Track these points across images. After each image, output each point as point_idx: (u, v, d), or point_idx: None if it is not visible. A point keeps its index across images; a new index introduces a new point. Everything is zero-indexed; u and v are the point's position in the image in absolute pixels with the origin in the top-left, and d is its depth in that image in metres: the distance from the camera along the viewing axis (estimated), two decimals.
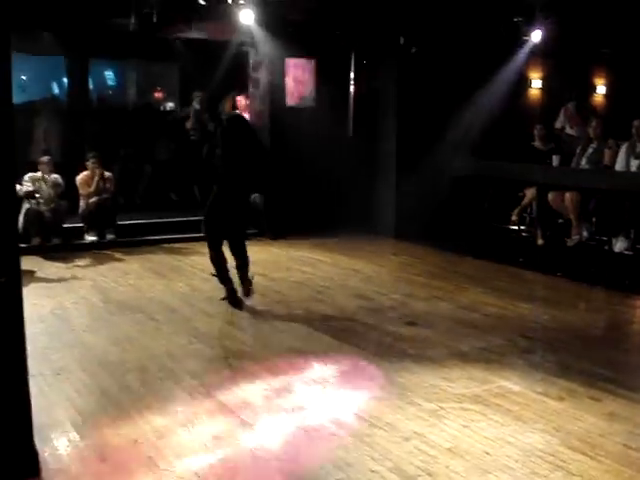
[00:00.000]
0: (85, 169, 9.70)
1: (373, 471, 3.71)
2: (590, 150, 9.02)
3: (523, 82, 12.53)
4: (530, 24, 9.99)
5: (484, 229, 9.85)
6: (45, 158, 9.53)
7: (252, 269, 8.31)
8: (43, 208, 9.18)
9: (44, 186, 9.34)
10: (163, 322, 6.38)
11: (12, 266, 3.44)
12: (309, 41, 10.49)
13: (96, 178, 9.61)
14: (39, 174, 9.33)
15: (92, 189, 9.58)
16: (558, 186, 8.98)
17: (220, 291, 6.95)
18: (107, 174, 9.80)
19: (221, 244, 6.87)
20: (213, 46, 11.26)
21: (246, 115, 11.14)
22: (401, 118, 10.60)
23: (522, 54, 10.74)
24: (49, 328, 6.14)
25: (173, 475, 3.67)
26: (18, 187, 9.05)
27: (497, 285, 7.88)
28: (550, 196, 9.09)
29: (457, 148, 10.17)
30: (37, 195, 9.17)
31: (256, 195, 10.37)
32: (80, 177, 9.67)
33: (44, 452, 3.82)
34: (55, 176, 9.47)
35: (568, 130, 10.81)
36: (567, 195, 8.84)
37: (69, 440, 4.03)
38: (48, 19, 9.57)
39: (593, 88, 13.44)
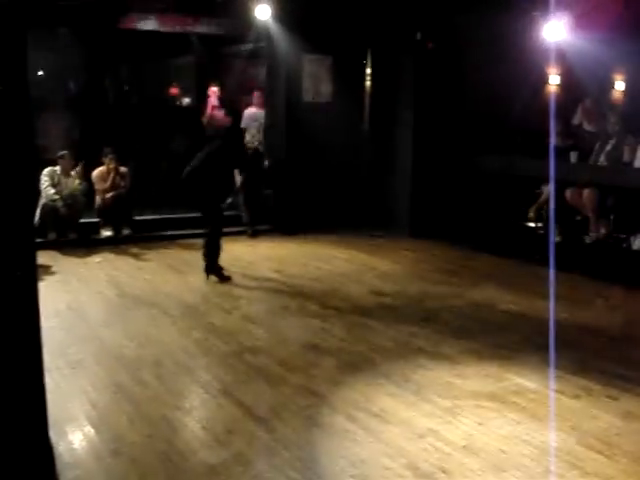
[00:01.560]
0: (101, 164, 9.73)
1: (387, 468, 3.70)
2: (608, 147, 8.94)
3: (541, 78, 12.45)
4: (548, 18, 9.90)
5: (500, 226, 9.78)
6: (64, 153, 9.55)
7: (268, 264, 8.37)
8: (59, 205, 9.20)
9: (63, 181, 9.37)
10: (178, 317, 6.39)
11: (28, 260, 3.45)
12: (326, 37, 10.47)
13: (112, 174, 9.64)
14: (58, 169, 9.35)
15: (108, 184, 9.61)
16: (576, 183, 8.91)
17: (236, 286, 6.97)
18: (123, 169, 9.83)
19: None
20: (230, 42, 11.28)
21: (261, 111, 11.16)
22: (417, 114, 10.54)
23: (540, 49, 10.65)
24: (65, 323, 6.17)
25: (187, 470, 3.68)
26: (49, 190, 9.13)
27: (513, 282, 7.84)
28: (568, 193, 9.02)
29: (474, 144, 10.11)
30: (56, 197, 9.19)
31: (268, 191, 10.40)
32: (96, 172, 9.70)
33: (59, 446, 3.85)
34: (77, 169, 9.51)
35: (586, 126, 10.71)
36: (585, 192, 8.77)
37: (84, 434, 4.05)
38: (65, 16, 9.61)
39: (612, 84, 13.32)
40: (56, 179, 9.31)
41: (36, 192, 8.75)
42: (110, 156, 9.67)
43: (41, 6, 8.58)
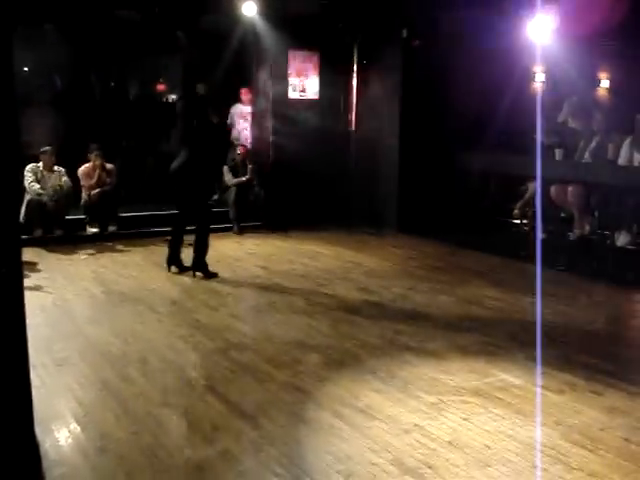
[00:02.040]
0: (87, 161, 9.70)
1: (373, 463, 3.71)
2: (593, 144, 8.99)
3: (526, 75, 12.49)
4: (534, 16, 9.94)
5: (486, 223, 9.83)
6: (47, 149, 9.51)
7: (255, 261, 8.38)
8: (45, 199, 9.17)
9: (46, 176, 9.33)
10: (164, 314, 6.39)
11: (13, 257, 3.44)
12: (312, 34, 10.48)
13: (97, 170, 9.61)
14: (40, 165, 9.32)
15: (94, 181, 9.58)
16: (561, 180, 8.96)
17: (222, 283, 6.96)
18: (109, 166, 9.81)
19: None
20: (216, 38, 11.24)
21: (249, 108, 11.15)
22: (404, 110, 10.57)
23: (526, 46, 10.69)
24: (50, 319, 6.15)
25: (173, 466, 3.68)
26: (33, 185, 9.08)
27: (499, 279, 7.89)
28: (552, 190, 9.08)
29: (460, 142, 10.14)
30: (42, 192, 9.16)
31: (258, 188, 10.42)
32: (82, 169, 9.68)
33: (45, 443, 3.83)
34: (61, 169, 9.47)
35: (571, 124, 10.77)
36: (570, 189, 8.83)
37: (70, 431, 4.04)
38: (51, 11, 9.56)
39: (597, 81, 13.39)
40: (39, 175, 9.28)
41: (20, 188, 8.70)
42: (96, 152, 9.65)
43: (27, 2, 8.53)
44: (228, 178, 10.39)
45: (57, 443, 3.90)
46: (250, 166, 10.51)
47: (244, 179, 10.36)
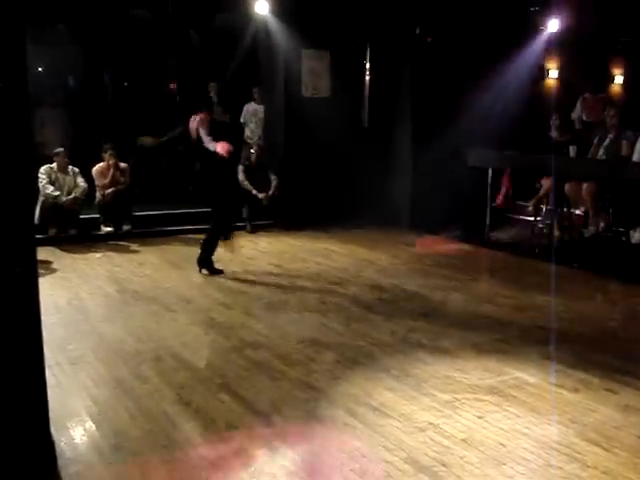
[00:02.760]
0: (101, 160, 9.74)
1: (387, 462, 3.71)
2: (607, 141, 8.94)
3: (540, 72, 12.46)
4: (546, 13, 9.91)
5: (500, 220, 9.80)
6: (60, 150, 9.55)
7: (268, 260, 8.42)
8: (62, 199, 9.21)
9: (61, 177, 9.37)
10: (179, 312, 6.40)
11: (28, 256, 3.46)
12: (324, 32, 10.47)
13: (112, 170, 9.65)
14: (54, 166, 9.36)
15: (108, 180, 9.62)
16: (575, 177, 8.92)
17: (236, 282, 6.97)
18: (123, 165, 9.84)
19: None
20: (228, 37, 11.26)
21: (261, 106, 11.15)
22: (417, 108, 10.56)
23: (539, 44, 10.67)
24: (65, 318, 6.18)
25: (188, 465, 3.69)
26: (48, 187, 9.13)
27: (512, 276, 7.86)
28: (567, 187, 9.04)
29: (473, 139, 10.10)
30: (57, 193, 9.20)
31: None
32: (96, 168, 9.71)
33: (60, 441, 3.85)
34: (75, 169, 9.52)
35: (585, 118, 10.74)
36: (584, 186, 8.79)
37: (85, 430, 4.06)
38: (63, 11, 9.61)
39: (611, 78, 13.33)
40: (53, 176, 9.32)
41: (35, 188, 8.74)
42: (110, 152, 9.68)
43: (40, 2, 8.58)
44: (241, 178, 10.38)
45: (72, 441, 3.92)
46: (275, 182, 10.44)
47: (261, 196, 10.28)
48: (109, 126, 11.41)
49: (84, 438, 3.97)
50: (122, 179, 9.75)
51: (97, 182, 9.67)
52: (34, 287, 3.50)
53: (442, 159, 10.16)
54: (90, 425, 4.11)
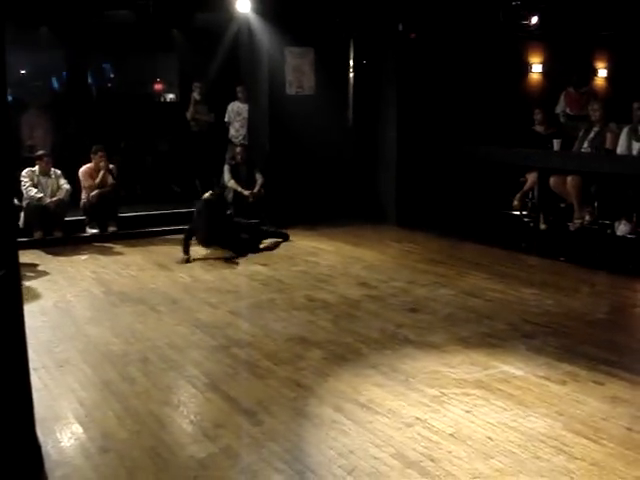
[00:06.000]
0: (87, 162, 9.68)
1: (376, 457, 3.71)
2: (591, 134, 8.96)
3: (523, 66, 12.50)
4: (529, 8, 9.94)
5: (486, 215, 9.81)
6: (41, 153, 9.49)
7: (254, 258, 8.43)
8: (46, 201, 9.15)
9: (43, 180, 9.31)
10: (165, 313, 6.38)
11: (11, 259, 3.44)
12: (308, 29, 10.46)
13: (102, 172, 9.57)
14: (36, 169, 9.30)
15: (97, 181, 9.55)
16: (559, 170, 8.94)
17: (222, 281, 6.95)
18: (110, 166, 9.77)
19: None
20: (211, 36, 11.24)
21: (245, 105, 11.11)
22: (401, 105, 10.56)
23: (522, 38, 10.70)
24: (52, 321, 6.15)
25: (176, 465, 3.68)
26: (31, 190, 9.07)
27: (499, 270, 7.87)
28: (552, 181, 9.06)
29: (458, 134, 10.13)
30: (41, 195, 9.14)
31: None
32: (83, 169, 9.64)
33: (47, 444, 3.83)
34: (57, 172, 9.46)
35: (569, 112, 10.78)
36: (569, 179, 8.80)
37: (72, 432, 4.04)
38: (45, 13, 9.56)
39: (594, 71, 13.39)
40: (35, 179, 9.25)
41: (15, 191, 8.66)
42: (100, 154, 9.60)
43: (21, 3, 8.52)
44: (227, 178, 10.34)
45: (59, 444, 3.90)
46: (260, 180, 10.36)
47: (247, 193, 10.20)
48: (93, 127, 11.35)
49: (71, 440, 3.95)
50: (110, 181, 9.69)
51: (84, 183, 9.58)
52: (17, 289, 3.48)
53: (428, 154, 10.18)
54: (77, 427, 4.09)
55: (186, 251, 8.36)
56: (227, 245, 8.65)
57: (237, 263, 8.31)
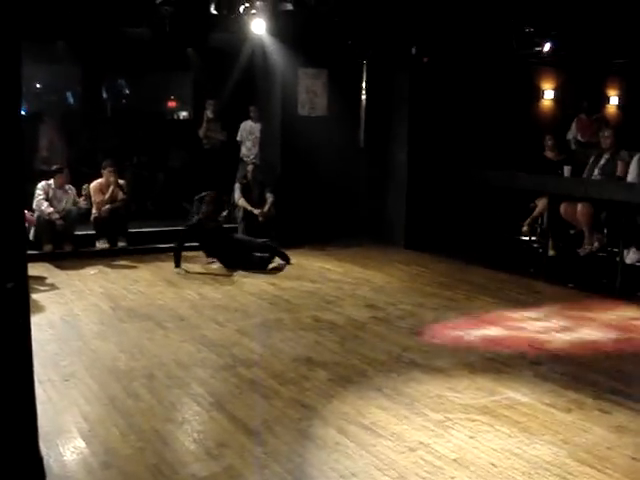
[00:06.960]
0: (98, 177, 9.74)
1: None
2: (602, 161, 8.96)
3: (535, 92, 12.53)
4: (542, 34, 9.97)
5: (495, 239, 9.81)
6: (58, 167, 9.55)
7: (263, 277, 8.44)
8: (55, 217, 9.19)
9: (58, 195, 9.37)
10: (172, 330, 6.39)
11: (20, 271, 3.45)
12: (321, 51, 10.52)
13: (112, 187, 9.63)
14: (52, 182, 9.35)
15: (107, 197, 9.61)
16: (570, 197, 8.93)
17: (230, 299, 6.96)
18: (121, 181, 9.84)
19: None
20: (226, 56, 11.32)
21: (258, 124, 11.17)
22: (413, 128, 10.59)
23: (534, 64, 10.74)
24: (58, 335, 6.17)
25: None
26: (42, 204, 9.13)
27: (507, 295, 7.85)
28: (562, 207, 9.05)
29: (469, 158, 10.14)
30: (51, 210, 9.19)
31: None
32: (94, 184, 9.70)
33: (49, 458, 3.83)
34: (72, 188, 9.54)
35: (580, 138, 10.80)
36: (579, 206, 8.79)
37: (75, 447, 4.04)
38: (62, 28, 9.65)
39: (606, 99, 13.42)
40: (51, 193, 9.31)
41: (26, 203, 8.72)
42: (109, 169, 9.67)
43: (39, 19, 8.61)
44: (237, 196, 10.36)
45: (62, 458, 3.90)
46: (271, 199, 10.35)
47: (257, 212, 10.18)
48: (106, 142, 11.44)
49: (74, 455, 3.95)
50: (120, 196, 9.74)
51: (94, 198, 9.64)
52: (25, 302, 3.49)
53: (438, 178, 10.20)
54: (80, 442, 4.09)
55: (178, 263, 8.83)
56: (244, 265, 8.86)
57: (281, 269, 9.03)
